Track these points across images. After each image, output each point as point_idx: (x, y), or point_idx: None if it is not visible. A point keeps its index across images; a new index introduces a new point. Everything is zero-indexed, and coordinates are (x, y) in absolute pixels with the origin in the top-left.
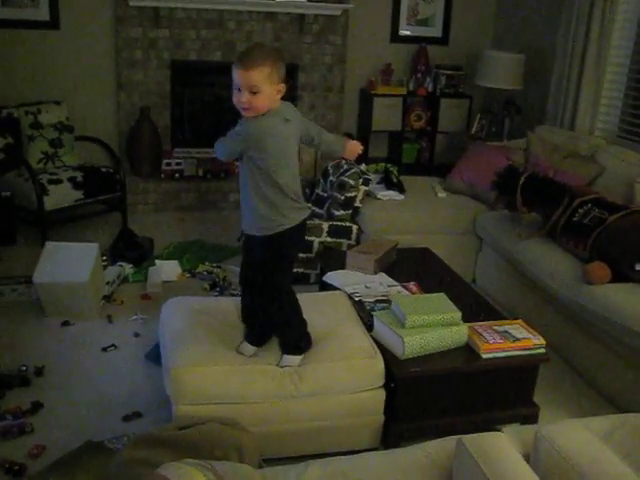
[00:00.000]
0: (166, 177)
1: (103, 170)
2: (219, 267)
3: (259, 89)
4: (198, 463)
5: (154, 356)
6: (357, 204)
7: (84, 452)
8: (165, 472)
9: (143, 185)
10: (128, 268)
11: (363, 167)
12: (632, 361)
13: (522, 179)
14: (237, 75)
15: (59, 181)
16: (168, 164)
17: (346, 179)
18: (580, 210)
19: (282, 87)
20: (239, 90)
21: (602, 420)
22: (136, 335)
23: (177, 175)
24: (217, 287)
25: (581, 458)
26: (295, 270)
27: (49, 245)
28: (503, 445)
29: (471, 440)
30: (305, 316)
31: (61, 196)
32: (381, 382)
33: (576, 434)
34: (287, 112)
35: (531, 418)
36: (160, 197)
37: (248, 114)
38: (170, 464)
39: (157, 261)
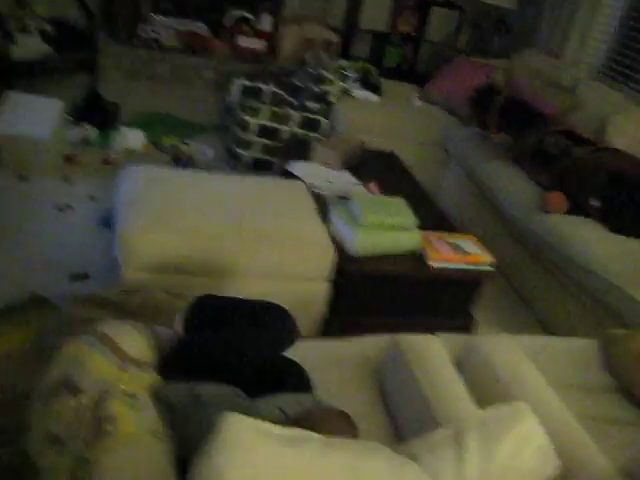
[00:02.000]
0: (141, 44)
1: (75, 26)
2: (186, 143)
3: None
4: (139, 324)
5: (107, 221)
6: (331, 99)
7: (27, 304)
8: (103, 328)
9: (117, 48)
10: (92, 131)
11: (343, 63)
12: (569, 289)
13: (499, 99)
14: None
15: (28, 31)
16: (145, 30)
17: (324, 72)
18: (550, 139)
19: None
20: None
21: (531, 339)
22: (92, 198)
23: (153, 43)
24: (180, 162)
25: (506, 369)
26: (260, 156)
27: (11, 95)
28: (435, 347)
29: (405, 339)
30: (265, 200)
31: (29, 47)
32: (330, 275)
33: (506, 348)
34: None
35: (467, 330)
36: (133, 64)
37: None
38: (110, 321)
39: (122, 128)
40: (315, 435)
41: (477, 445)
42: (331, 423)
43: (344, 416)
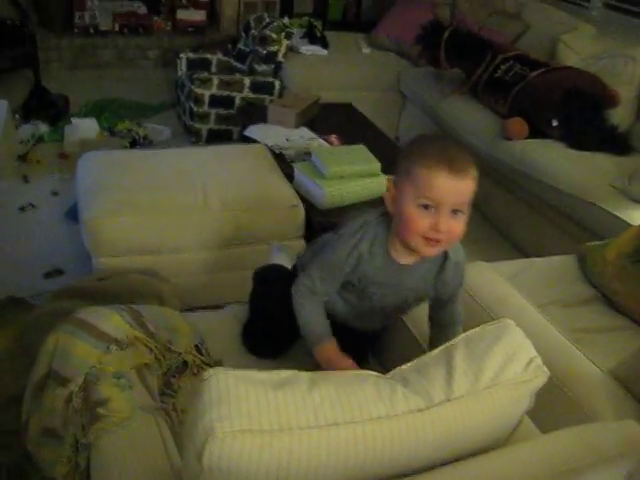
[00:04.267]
0: (80, 31)
1: (9, 23)
2: (140, 125)
3: (466, 207)
4: (115, 306)
5: (74, 214)
6: (279, 59)
7: (5, 307)
8: (81, 315)
9: (55, 40)
10: (43, 127)
11: (286, 20)
12: (543, 212)
13: (446, 34)
14: (440, 185)
15: None
16: (81, 17)
17: (268, 32)
18: (502, 66)
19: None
20: (427, 208)
21: (509, 264)
22: (54, 194)
23: (92, 30)
24: (137, 145)
25: (487, 295)
26: (218, 127)
27: None
28: None
29: None
30: (226, 167)
31: None
32: (301, 231)
33: (484, 274)
34: None
35: None
36: (75, 53)
37: (434, 251)
38: (86, 308)
39: (74, 119)
40: (301, 374)
41: (465, 363)
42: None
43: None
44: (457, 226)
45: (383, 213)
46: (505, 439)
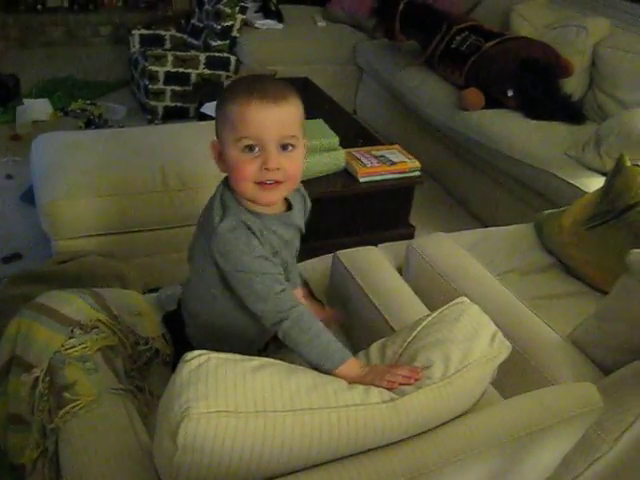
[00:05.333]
0: (27, 9)
1: None
2: (94, 104)
3: (296, 141)
4: (77, 290)
5: (29, 197)
6: (234, 34)
7: None
8: (42, 300)
9: (0, 18)
10: None
11: None
12: (501, 182)
13: (401, 5)
14: (255, 116)
15: None
16: None
17: (222, 7)
18: (457, 38)
19: (306, 144)
20: (252, 150)
21: (468, 234)
22: (8, 177)
23: (39, 6)
24: (92, 125)
25: (447, 265)
26: (173, 104)
27: None
28: (376, 258)
29: (345, 254)
30: (183, 145)
31: None
32: None
33: (444, 245)
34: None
35: (408, 238)
36: (23, 31)
37: (274, 197)
38: (47, 293)
39: (25, 100)
40: (280, 362)
41: (430, 352)
42: None
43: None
44: (291, 162)
45: (221, 182)
46: (469, 409)
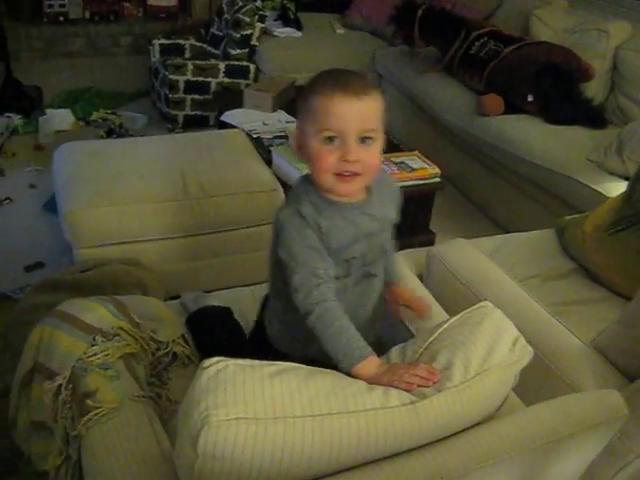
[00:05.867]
0: (49, 21)
1: None
2: (114, 114)
3: (375, 134)
4: (99, 298)
5: (52, 206)
6: (254, 42)
7: None
8: (64, 308)
9: (25, 30)
10: (17, 119)
11: (259, 3)
12: (521, 187)
13: (420, 12)
14: (337, 109)
15: None
16: (50, 5)
17: (241, 16)
18: (476, 43)
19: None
20: (332, 141)
21: (489, 240)
22: (32, 187)
23: (61, 18)
24: (113, 134)
25: (468, 271)
26: (194, 113)
27: None
28: None
29: None
30: (204, 153)
31: None
32: None
33: (465, 251)
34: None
35: (428, 244)
36: (45, 43)
37: (352, 188)
38: (70, 301)
39: (48, 110)
40: (298, 365)
41: (451, 353)
42: None
43: None
44: (370, 155)
45: (304, 175)
46: (491, 415)
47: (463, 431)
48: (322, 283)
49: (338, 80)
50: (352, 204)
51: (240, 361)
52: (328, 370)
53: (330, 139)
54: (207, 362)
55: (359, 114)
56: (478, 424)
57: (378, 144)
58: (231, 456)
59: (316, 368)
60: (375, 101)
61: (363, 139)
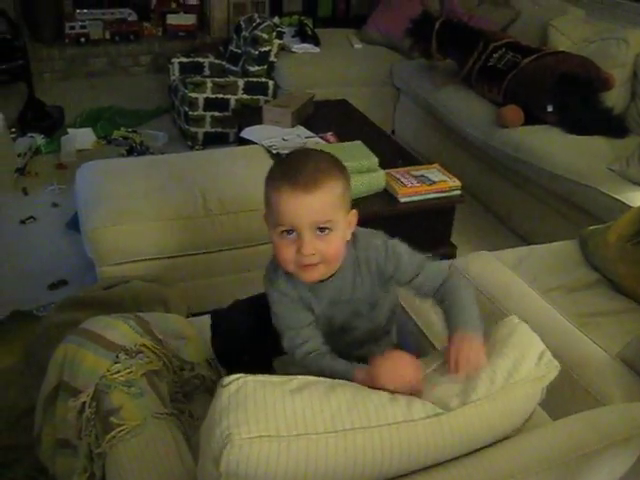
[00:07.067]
0: (71, 42)
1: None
2: (135, 132)
3: (332, 224)
4: (121, 315)
5: (75, 224)
6: (272, 59)
7: (11, 321)
8: (88, 326)
9: (47, 51)
10: (39, 139)
11: (276, 20)
12: (543, 199)
13: (437, 25)
14: (285, 205)
15: None
16: (72, 27)
17: (259, 33)
18: (494, 55)
19: (354, 213)
20: (290, 234)
21: (511, 252)
22: (54, 205)
23: (83, 39)
24: (134, 152)
25: (491, 284)
26: (213, 130)
27: None
28: None
29: None
30: (224, 170)
31: None
32: None
33: (487, 264)
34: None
35: (450, 257)
36: (67, 63)
37: (316, 275)
38: (93, 318)
39: (70, 129)
40: (318, 379)
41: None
42: None
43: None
44: (327, 245)
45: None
46: (518, 429)
47: (490, 445)
48: (305, 342)
49: (288, 174)
50: (311, 284)
51: (260, 377)
52: (348, 382)
53: (287, 231)
54: (227, 380)
55: (310, 209)
56: (505, 439)
57: (336, 233)
58: (254, 474)
59: (336, 381)
60: (327, 192)
61: (321, 229)
